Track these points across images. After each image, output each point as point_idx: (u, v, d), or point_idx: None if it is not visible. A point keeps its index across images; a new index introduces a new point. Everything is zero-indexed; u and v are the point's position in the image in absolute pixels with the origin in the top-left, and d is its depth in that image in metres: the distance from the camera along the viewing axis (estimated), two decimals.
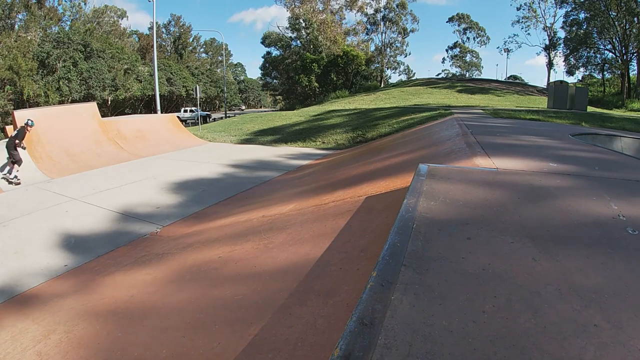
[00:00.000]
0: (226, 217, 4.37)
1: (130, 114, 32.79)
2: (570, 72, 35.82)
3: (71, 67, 29.97)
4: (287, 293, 1.86)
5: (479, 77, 43.90)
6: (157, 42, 33.86)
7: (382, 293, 1.27)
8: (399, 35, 44.35)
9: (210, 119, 31.44)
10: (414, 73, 48.23)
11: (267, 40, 38.74)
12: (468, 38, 49.98)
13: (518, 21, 40.75)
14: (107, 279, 2.95)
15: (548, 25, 38.12)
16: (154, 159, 8.66)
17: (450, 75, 49.13)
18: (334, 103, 22.36)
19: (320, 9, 38.65)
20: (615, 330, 1.07)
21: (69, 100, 28.94)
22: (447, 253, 1.53)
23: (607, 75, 35.40)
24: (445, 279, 1.35)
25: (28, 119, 7.19)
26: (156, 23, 30.67)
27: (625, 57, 30.52)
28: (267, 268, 2.32)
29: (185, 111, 32.91)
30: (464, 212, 1.96)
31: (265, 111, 36.11)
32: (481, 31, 49.09)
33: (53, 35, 30.50)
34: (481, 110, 12.09)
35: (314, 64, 33.08)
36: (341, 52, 34.02)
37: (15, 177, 6.72)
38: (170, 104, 41.58)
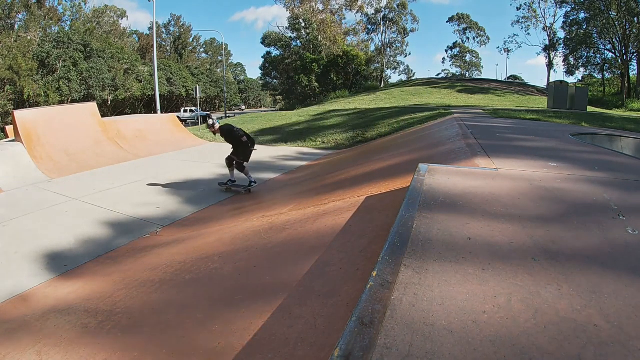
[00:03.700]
0: (226, 217, 4.37)
1: (130, 114, 32.78)
2: (570, 72, 35.87)
3: (71, 67, 29.99)
4: (287, 293, 1.86)
5: (479, 77, 43.87)
6: (157, 42, 33.87)
7: (382, 293, 1.27)
8: (399, 35, 44.28)
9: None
10: (414, 73, 48.14)
11: (267, 40, 38.78)
12: (468, 38, 49.97)
13: (518, 21, 40.81)
14: (107, 279, 2.95)
15: (548, 25, 38.16)
16: (154, 159, 8.66)
17: (450, 75, 49.10)
18: (334, 103, 22.35)
19: (320, 9, 38.67)
20: (615, 330, 1.07)
21: (69, 100, 28.96)
22: (447, 253, 1.53)
23: (607, 75, 35.42)
24: (445, 279, 1.35)
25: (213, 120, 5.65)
26: (156, 23, 30.64)
27: (625, 57, 30.56)
28: (266, 268, 2.32)
29: (185, 111, 32.89)
30: (464, 212, 1.96)
31: (265, 111, 36.10)
32: (481, 31, 49.08)
33: (53, 35, 30.53)
34: (481, 110, 12.10)
35: (314, 64, 33.11)
36: (341, 52, 34.05)
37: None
38: (170, 104, 41.58)
